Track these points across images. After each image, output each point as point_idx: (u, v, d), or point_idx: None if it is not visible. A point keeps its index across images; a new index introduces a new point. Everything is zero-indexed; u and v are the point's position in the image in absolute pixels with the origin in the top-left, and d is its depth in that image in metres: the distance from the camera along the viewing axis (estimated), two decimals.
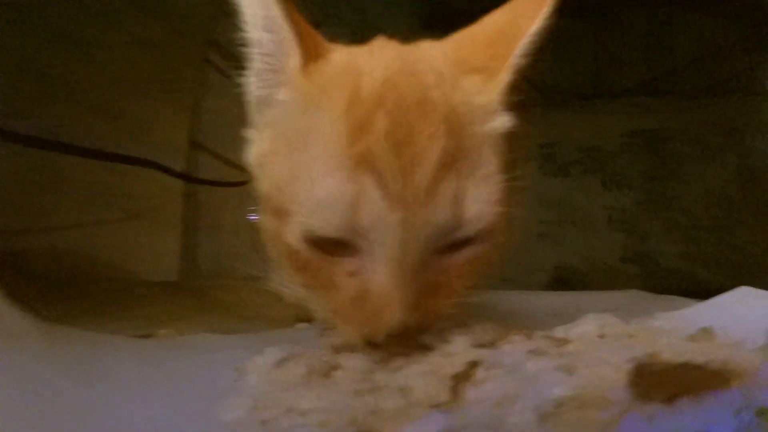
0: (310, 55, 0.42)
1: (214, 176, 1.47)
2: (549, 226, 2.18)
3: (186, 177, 1.43)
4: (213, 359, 0.63)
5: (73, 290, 1.10)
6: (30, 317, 0.68)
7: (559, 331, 0.49)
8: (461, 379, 0.32)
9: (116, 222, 1.32)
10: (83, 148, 1.20)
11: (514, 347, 0.40)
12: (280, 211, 0.41)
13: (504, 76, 0.43)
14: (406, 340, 0.40)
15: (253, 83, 0.47)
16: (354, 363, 0.45)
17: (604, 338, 0.48)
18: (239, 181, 1.42)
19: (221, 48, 1.57)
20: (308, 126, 0.41)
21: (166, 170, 1.31)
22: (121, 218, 1.33)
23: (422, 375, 0.36)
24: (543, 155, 2.25)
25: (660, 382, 0.25)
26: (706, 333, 0.48)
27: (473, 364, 0.34)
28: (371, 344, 0.40)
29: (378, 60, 0.42)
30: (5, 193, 1.08)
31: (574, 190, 2.21)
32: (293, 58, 0.42)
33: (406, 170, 0.37)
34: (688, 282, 2.07)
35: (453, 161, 0.38)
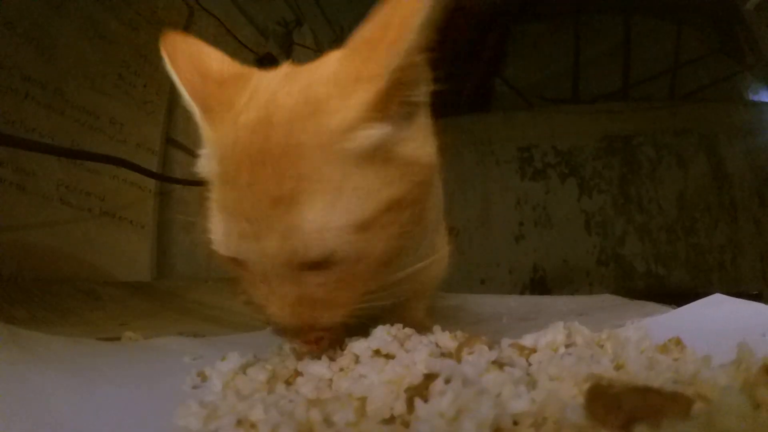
0: (209, 110, 0.47)
1: (189, 174, 1.45)
2: (526, 228, 2.21)
3: (159, 176, 1.40)
4: (177, 364, 0.61)
5: (41, 290, 1.07)
6: None
7: (527, 339, 0.49)
8: (417, 391, 0.32)
9: (87, 221, 1.29)
10: (53, 145, 1.16)
11: (477, 357, 0.39)
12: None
13: (370, 88, 0.40)
14: (312, 339, 0.46)
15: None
16: (316, 370, 0.44)
17: (571, 347, 0.48)
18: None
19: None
20: (211, 171, 0.47)
21: (139, 169, 1.28)
22: (89, 216, 1.30)
23: (381, 385, 0.35)
24: (521, 158, 2.27)
25: (617, 405, 0.25)
26: (675, 344, 0.48)
27: (430, 376, 0.33)
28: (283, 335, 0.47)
29: (254, 103, 0.44)
30: None
31: (551, 192, 2.23)
32: (196, 113, 0.48)
33: (246, 211, 0.42)
34: (661, 284, 2.10)
35: (287, 197, 0.40)
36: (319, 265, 0.42)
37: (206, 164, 0.48)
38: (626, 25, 2.37)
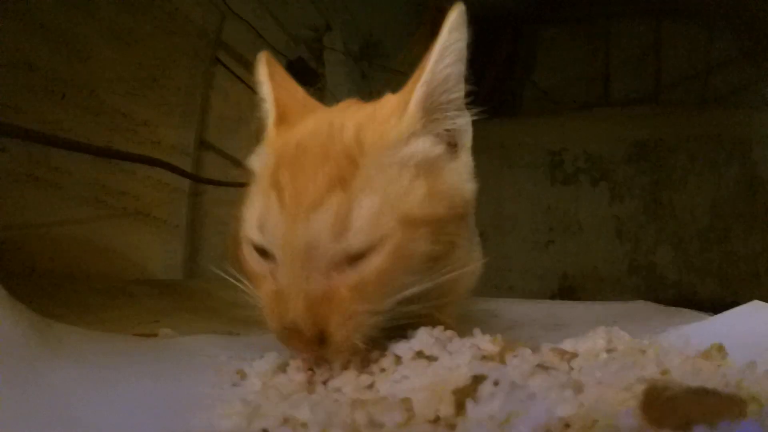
0: (283, 119, 0.55)
1: (220, 176, 1.47)
2: (556, 235, 2.18)
3: (193, 176, 1.42)
4: (213, 361, 0.62)
5: (76, 286, 1.09)
6: (30, 313, 0.67)
7: (567, 344, 0.48)
8: (465, 393, 0.32)
9: (121, 219, 1.32)
10: (89, 145, 1.19)
11: (521, 361, 0.39)
12: (241, 222, 0.52)
13: (410, 109, 0.49)
14: (301, 344, 0.45)
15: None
16: (355, 372, 0.44)
17: (612, 353, 0.47)
18: (246, 181, 1.41)
19: (229, 48, 1.57)
20: (262, 166, 0.52)
21: (173, 169, 1.30)
22: (125, 215, 1.32)
23: (424, 387, 0.35)
24: (551, 163, 2.24)
25: (673, 407, 0.24)
26: (718, 350, 0.47)
27: (478, 379, 0.33)
28: (281, 339, 0.46)
29: (318, 117, 0.53)
30: (9, 188, 1.08)
31: (581, 199, 2.20)
32: (269, 120, 0.57)
33: (298, 186, 0.45)
34: (693, 293, 2.05)
35: (344, 180, 0.44)
36: (361, 256, 0.43)
37: (259, 159, 0.54)
38: (657, 29, 2.33)
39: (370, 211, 0.43)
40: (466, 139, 0.54)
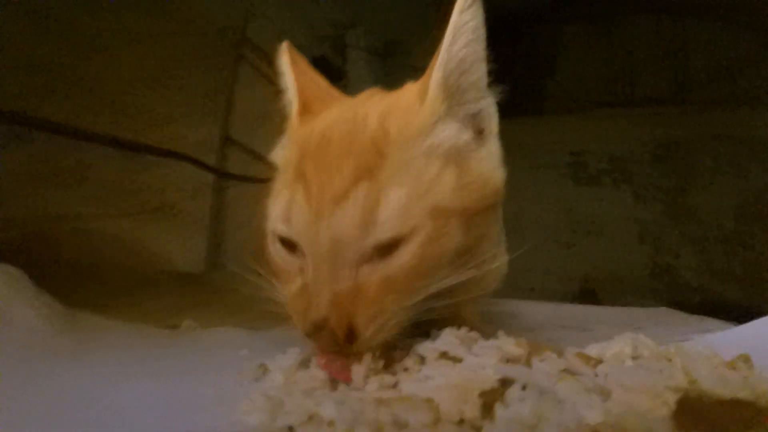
0: (306, 109, 0.55)
1: (244, 171, 1.48)
2: (578, 237, 2.15)
3: (217, 171, 1.44)
4: (235, 355, 0.63)
5: (100, 277, 1.11)
6: (55, 303, 0.69)
7: (592, 349, 0.47)
8: (493, 396, 0.31)
9: (144, 213, 1.34)
10: (116, 138, 1.21)
11: (548, 365, 0.38)
12: (266, 217, 0.51)
13: (431, 94, 0.48)
14: (330, 343, 0.43)
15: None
16: (377, 369, 0.44)
17: (638, 360, 0.47)
18: (270, 177, 1.42)
19: (253, 45, 1.59)
20: (286, 157, 0.52)
21: (198, 163, 1.32)
22: (149, 209, 1.34)
23: (449, 388, 0.35)
24: (573, 163, 2.21)
25: (706, 417, 0.24)
26: (745, 361, 0.46)
27: (506, 382, 0.32)
28: (307, 336, 0.44)
29: (341, 107, 0.53)
30: (35, 181, 1.11)
31: (604, 200, 2.17)
32: (293, 110, 0.56)
33: (324, 178, 0.44)
34: (716, 299, 2.01)
35: (372, 171, 0.43)
36: (391, 249, 0.42)
37: (282, 152, 0.54)
38: (681, 28, 2.28)
39: (398, 203, 0.42)
40: (493, 125, 0.52)
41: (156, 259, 1.35)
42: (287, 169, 0.50)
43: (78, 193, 1.20)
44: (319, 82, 0.59)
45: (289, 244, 0.47)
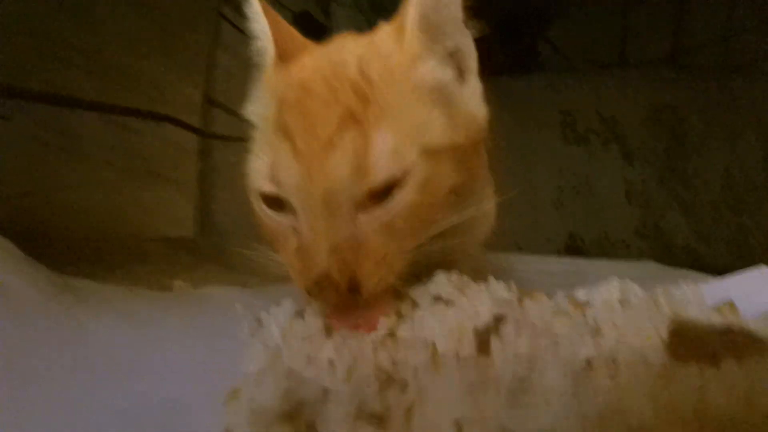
0: (282, 57, 0.51)
1: (229, 132, 1.46)
2: (565, 194, 2.16)
3: (201, 132, 1.42)
4: (230, 311, 0.63)
5: (89, 248, 1.11)
6: (48, 271, 0.68)
7: (581, 294, 0.48)
8: (488, 333, 0.32)
9: (132, 179, 1.32)
10: (98, 103, 1.18)
11: (539, 305, 0.39)
12: (248, 178, 0.48)
13: (408, 33, 0.47)
14: (335, 296, 0.41)
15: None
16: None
17: (627, 304, 0.48)
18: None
19: (235, 4, 1.54)
20: (261, 112, 0.49)
21: (181, 124, 1.29)
22: (134, 175, 1.33)
23: (444, 329, 0.36)
24: (563, 122, 2.20)
25: (701, 343, 0.25)
26: (730, 307, 0.47)
27: (499, 319, 0.33)
28: (310, 294, 0.42)
29: (315, 54, 0.50)
30: (21, 152, 1.08)
31: (593, 160, 2.17)
32: (268, 59, 0.52)
33: (308, 129, 0.42)
34: (701, 260, 2.05)
35: (357, 117, 0.42)
36: (385, 193, 0.42)
37: (257, 107, 0.52)
38: None
39: (387, 146, 0.41)
40: (472, 62, 0.51)
41: (145, 225, 1.34)
42: (267, 124, 0.48)
43: (65, 163, 1.18)
44: (291, 29, 0.56)
45: (278, 203, 0.45)
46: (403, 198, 0.42)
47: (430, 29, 0.47)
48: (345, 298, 0.41)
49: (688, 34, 2.24)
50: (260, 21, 0.53)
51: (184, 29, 1.42)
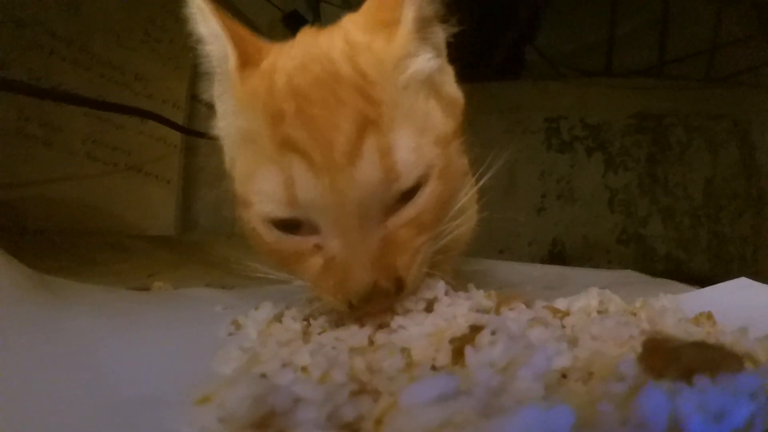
0: (246, 61, 0.46)
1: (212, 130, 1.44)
2: (549, 201, 2.18)
3: (185, 129, 1.40)
4: (209, 313, 0.62)
5: (68, 243, 1.09)
6: (25, 268, 0.67)
7: (560, 303, 0.49)
8: (463, 342, 0.32)
9: (111, 174, 1.30)
10: (81, 97, 1.16)
11: (516, 314, 0.39)
12: (245, 203, 0.45)
13: (407, 21, 0.45)
14: (384, 301, 0.41)
15: (215, 94, 0.51)
16: (352, 323, 0.44)
17: (605, 313, 0.48)
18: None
19: (222, 1, 1.52)
20: (247, 127, 0.44)
21: (165, 121, 1.28)
22: (116, 170, 1.31)
23: (421, 337, 0.36)
24: (548, 129, 2.22)
25: (675, 357, 0.25)
26: (707, 318, 0.48)
27: (475, 328, 0.33)
28: (352, 308, 0.40)
29: (290, 54, 0.46)
30: (1, 144, 1.06)
31: (576, 167, 2.19)
32: (230, 65, 0.46)
33: (323, 141, 0.39)
34: (681, 268, 2.08)
35: (372, 120, 0.40)
36: (411, 193, 0.41)
37: (232, 121, 0.47)
38: (665, 2, 2.28)
39: (410, 145, 0.41)
40: (443, 48, 0.51)
41: (126, 222, 1.33)
42: (251, 140, 0.44)
43: (45, 157, 1.16)
44: (243, 28, 0.50)
45: (291, 226, 0.43)
46: (427, 191, 0.42)
47: (423, 26, 0.47)
48: (392, 301, 0.41)
49: (674, 45, 2.27)
50: (210, 21, 0.47)
51: (171, 23, 1.41)
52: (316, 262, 0.42)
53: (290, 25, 1.56)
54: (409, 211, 0.42)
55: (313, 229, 0.42)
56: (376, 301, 0.40)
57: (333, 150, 0.39)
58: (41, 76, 1.13)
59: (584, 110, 2.21)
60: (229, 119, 0.48)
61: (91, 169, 1.26)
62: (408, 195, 0.42)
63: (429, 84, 0.46)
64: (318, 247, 0.42)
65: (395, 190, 0.40)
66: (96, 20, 1.25)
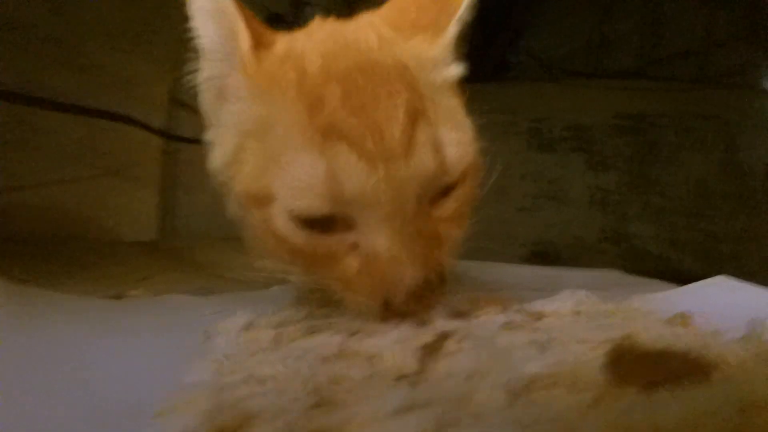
0: (259, 42, 0.43)
1: (195, 134, 1.43)
2: (531, 201, 2.18)
3: (165, 134, 1.39)
4: (183, 321, 0.61)
5: (45, 250, 1.07)
6: (1, 278, 0.66)
7: (536, 305, 0.48)
8: (431, 349, 0.31)
9: (92, 179, 1.28)
10: (59, 102, 1.15)
11: (488, 319, 0.39)
12: (261, 200, 0.41)
13: (451, 31, 0.46)
14: (429, 298, 0.39)
15: (206, 78, 0.47)
16: (328, 330, 0.44)
17: (580, 315, 0.48)
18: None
19: None
20: (266, 113, 0.41)
21: (145, 126, 1.26)
22: (97, 176, 1.29)
23: (392, 344, 0.35)
24: (530, 129, 2.23)
25: (638, 367, 0.24)
26: (683, 318, 0.48)
27: (444, 335, 0.33)
28: (386, 311, 0.38)
29: (316, 40, 0.44)
30: None
31: (558, 166, 2.20)
32: (243, 44, 0.42)
33: (375, 129, 0.37)
34: (664, 266, 2.09)
35: (420, 111, 0.39)
36: (452, 186, 0.41)
37: (242, 107, 0.43)
38: (655, 3, 2.29)
39: (455, 138, 0.41)
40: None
41: (107, 228, 1.31)
42: (271, 129, 0.40)
43: (23, 162, 1.14)
44: (247, 9, 0.46)
45: (323, 223, 0.39)
46: (467, 186, 0.42)
47: (457, 42, 0.47)
48: (436, 295, 0.40)
49: (662, 46, 2.29)
50: (228, 7, 0.43)
51: (151, 27, 1.39)
52: (352, 263, 0.40)
53: (274, 27, 1.55)
54: (451, 204, 0.42)
55: (348, 227, 0.39)
56: (423, 300, 0.38)
57: (386, 139, 0.37)
58: (26, 80, 1.11)
59: (571, 111, 2.22)
60: (238, 105, 0.44)
61: (71, 173, 1.24)
62: (447, 190, 0.42)
63: (454, 86, 0.47)
64: (354, 246, 0.40)
65: (443, 183, 0.40)
66: (86, 23, 1.23)
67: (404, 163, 0.37)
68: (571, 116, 2.21)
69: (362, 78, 0.38)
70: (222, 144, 0.46)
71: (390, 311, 0.38)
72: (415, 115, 0.38)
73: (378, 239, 0.38)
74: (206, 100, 0.48)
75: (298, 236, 0.40)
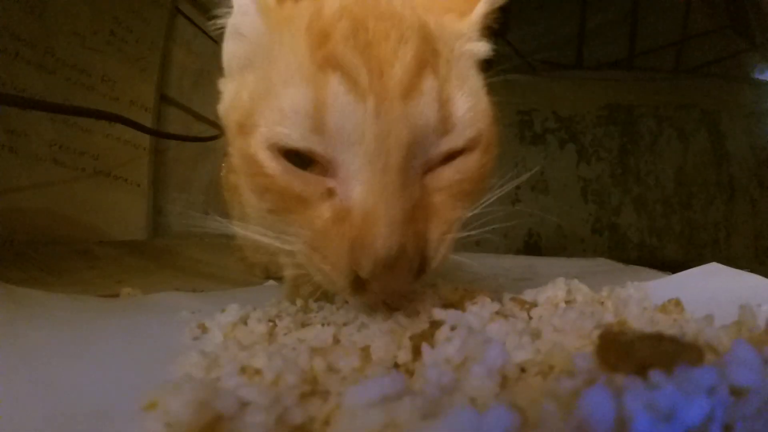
0: None
1: (183, 131, 1.42)
2: (523, 193, 2.19)
3: (154, 131, 1.37)
4: (176, 317, 0.61)
5: (36, 253, 1.06)
6: None
7: (528, 294, 0.49)
8: (422, 338, 0.31)
9: (81, 180, 1.27)
10: (46, 102, 1.13)
11: (480, 308, 0.39)
12: (246, 128, 0.38)
13: (480, 10, 0.44)
14: (401, 279, 0.34)
15: (231, 24, 0.45)
16: (321, 322, 0.44)
17: (572, 304, 0.48)
18: (210, 136, 1.37)
19: None
20: (273, 48, 0.39)
21: (133, 124, 1.25)
22: (85, 176, 1.28)
23: (384, 334, 0.35)
24: (521, 122, 2.24)
25: (629, 351, 0.24)
26: (675, 305, 0.48)
27: (435, 324, 0.33)
28: (357, 288, 0.34)
29: None
30: None
31: (549, 158, 2.22)
32: None
33: (375, 66, 0.34)
34: (655, 255, 2.12)
35: (431, 64, 0.36)
36: (455, 156, 0.37)
37: (252, 39, 0.42)
38: None
39: (467, 104, 0.37)
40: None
41: (96, 228, 1.29)
42: (275, 59, 0.38)
43: (9, 165, 1.12)
44: None
45: (304, 159, 0.36)
46: (473, 158, 0.38)
47: (484, 23, 0.46)
48: (410, 282, 0.35)
49: (644, 38, 2.30)
50: None
51: (138, 23, 1.37)
52: (324, 212, 0.35)
53: None
54: (451, 173, 0.37)
55: (328, 170, 0.36)
56: (397, 278, 0.33)
57: (385, 77, 0.34)
58: (6, 80, 1.10)
59: (556, 103, 2.23)
60: (250, 44, 0.43)
61: (58, 175, 1.22)
62: (451, 158, 0.38)
63: (476, 64, 0.45)
64: (331, 192, 0.36)
65: (444, 145, 0.36)
66: (60, 22, 1.22)
67: (400, 105, 0.34)
68: (558, 108, 2.22)
69: (376, 21, 0.36)
70: (229, 89, 0.45)
71: (361, 288, 0.34)
72: (424, 64, 0.36)
73: (356, 187, 0.34)
74: (226, 47, 0.46)
75: (275, 167, 0.36)
